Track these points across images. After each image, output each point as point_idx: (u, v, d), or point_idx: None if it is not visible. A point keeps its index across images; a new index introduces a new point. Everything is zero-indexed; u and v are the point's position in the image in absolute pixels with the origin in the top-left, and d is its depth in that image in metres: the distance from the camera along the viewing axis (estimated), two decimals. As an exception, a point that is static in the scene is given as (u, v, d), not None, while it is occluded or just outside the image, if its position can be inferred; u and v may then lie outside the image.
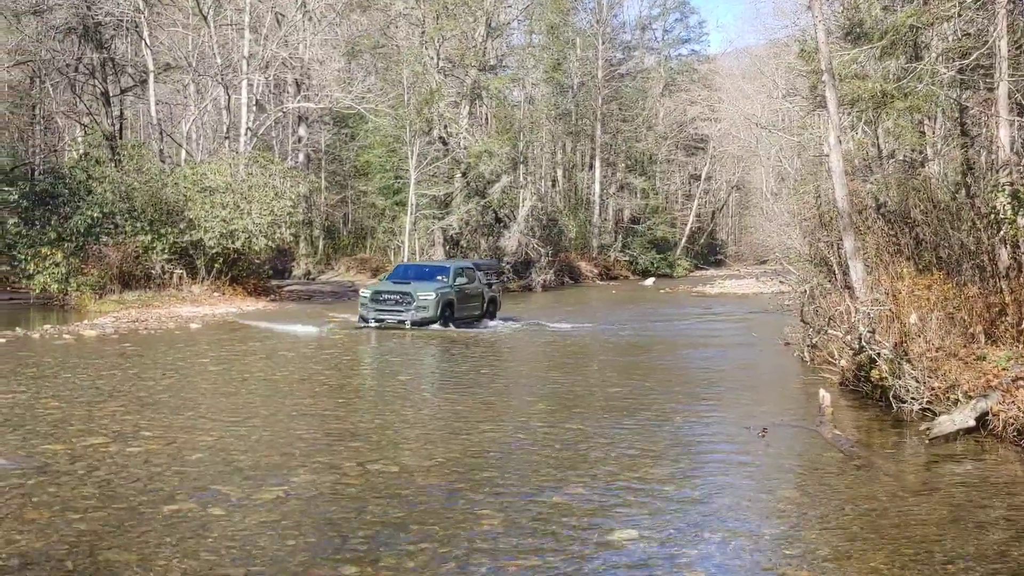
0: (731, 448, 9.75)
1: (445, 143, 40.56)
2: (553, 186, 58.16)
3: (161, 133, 37.39)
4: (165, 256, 28.62)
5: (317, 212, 46.84)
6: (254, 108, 37.50)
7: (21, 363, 14.92)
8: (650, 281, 52.71)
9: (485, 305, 24.07)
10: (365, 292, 22.79)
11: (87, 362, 15.31)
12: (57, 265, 26.69)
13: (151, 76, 36.39)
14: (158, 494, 7.35)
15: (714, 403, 12.83)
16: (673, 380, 14.96)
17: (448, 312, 22.11)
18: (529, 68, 49.89)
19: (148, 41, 36.04)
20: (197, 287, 28.98)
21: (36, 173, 34.21)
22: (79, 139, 37.24)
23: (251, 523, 6.65)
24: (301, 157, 45.26)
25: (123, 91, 39.41)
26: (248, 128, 36.47)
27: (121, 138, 36.60)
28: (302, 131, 45.39)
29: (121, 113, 39.75)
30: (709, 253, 71.99)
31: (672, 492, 7.94)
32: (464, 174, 41.00)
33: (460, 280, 23.11)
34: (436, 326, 21.56)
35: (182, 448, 9.06)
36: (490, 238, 43.40)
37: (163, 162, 34.24)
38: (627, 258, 57.83)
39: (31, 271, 27.05)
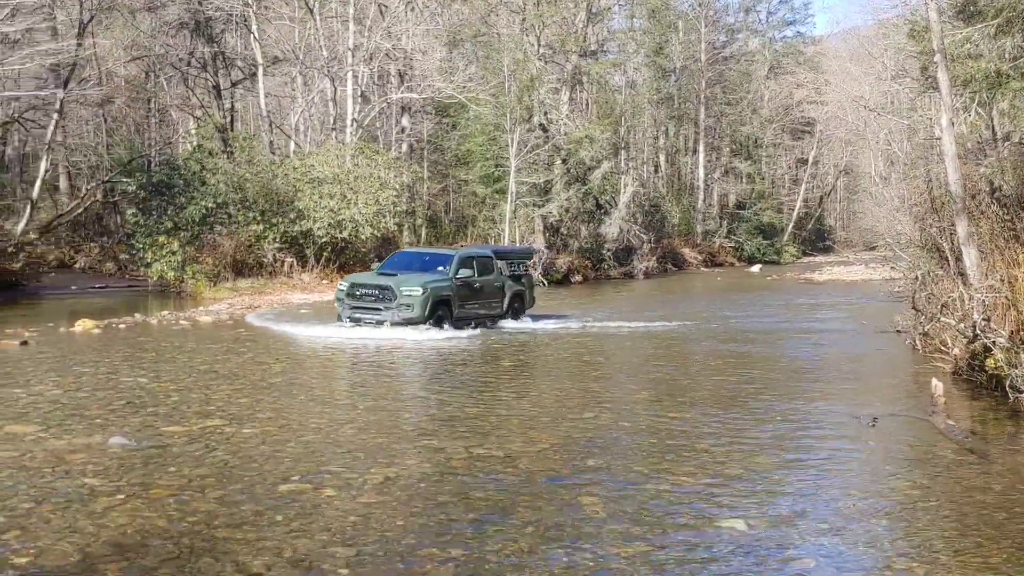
0: (840, 438, 9.55)
1: (545, 130, 40.53)
2: (655, 171, 57.63)
3: (270, 125, 38.34)
4: (276, 245, 29.40)
5: (420, 201, 47.36)
6: (359, 99, 38.12)
7: (141, 348, 15.56)
8: (756, 268, 51.83)
9: (507, 301, 20.30)
10: (342, 285, 19.05)
11: (203, 347, 15.87)
12: (173, 253, 27.67)
13: (260, 69, 37.33)
14: (272, 475, 7.58)
15: (823, 392, 12.58)
16: (780, 369, 14.70)
17: (442, 311, 18.32)
18: (630, 53, 49.50)
19: (257, 35, 36.99)
20: (307, 275, 29.69)
21: (152, 165, 35.41)
22: (192, 131, 38.37)
23: (360, 504, 6.80)
24: (404, 147, 45.81)
25: (234, 84, 40.55)
26: (353, 119, 37.11)
27: (232, 130, 37.69)
28: (405, 121, 45.93)
29: (232, 106, 40.93)
30: (817, 239, 70.38)
31: (780, 481, 7.83)
32: (564, 161, 40.94)
33: (464, 272, 19.01)
34: (425, 328, 17.73)
35: (295, 430, 9.33)
36: (590, 225, 43.25)
37: (273, 153, 35.15)
38: (732, 244, 56.99)
39: (149, 259, 28.11)
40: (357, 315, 18.18)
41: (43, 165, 32.20)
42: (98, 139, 40.34)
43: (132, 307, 22.63)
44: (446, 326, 18.25)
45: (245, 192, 29.66)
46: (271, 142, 37.29)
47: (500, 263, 20.32)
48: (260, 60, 37.23)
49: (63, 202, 36.35)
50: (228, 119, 38.84)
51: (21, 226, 29.48)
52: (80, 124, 39.57)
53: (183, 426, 9.34)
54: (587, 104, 49.84)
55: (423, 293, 17.94)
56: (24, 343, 15.50)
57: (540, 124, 40.43)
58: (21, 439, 8.59)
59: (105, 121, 39.62)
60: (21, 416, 9.62)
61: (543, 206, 40.02)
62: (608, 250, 42.16)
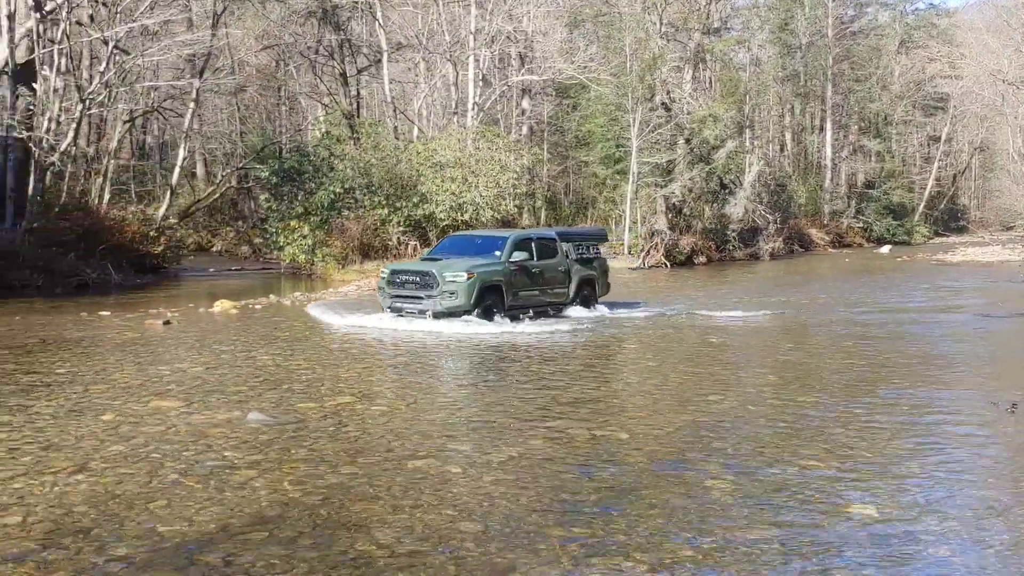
0: (977, 424, 9.22)
1: (668, 109, 40.04)
2: (781, 150, 56.31)
3: (395, 110, 39.03)
4: (400, 228, 30.01)
5: (540, 183, 47.49)
6: (480, 83, 38.43)
7: (275, 327, 16.17)
8: (886, 249, 50.20)
9: (574, 288, 18.41)
10: (384, 272, 17.47)
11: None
12: (304, 237, 28.58)
13: (384, 55, 38.03)
14: (400, 451, 7.79)
15: (958, 377, 12.15)
16: (913, 353, 14.24)
17: (492, 299, 16.59)
18: (754, 29, 48.42)
19: (381, 21, 37.64)
20: (429, 259, 30.18)
21: (283, 151, 36.54)
22: (321, 118, 39.45)
23: (487, 482, 6.93)
24: (525, 129, 45.96)
25: (359, 71, 41.41)
26: (475, 103, 37.42)
27: (359, 116, 38.52)
28: (525, 103, 46.05)
29: (358, 92, 41.79)
30: (950, 219, 67.67)
31: (913, 468, 7.62)
32: (687, 140, 40.39)
33: (520, 255, 17.12)
34: (471, 318, 16.12)
35: (422, 409, 9.56)
36: (714, 205, 42.60)
37: (397, 139, 35.78)
38: (861, 225, 55.31)
39: (281, 243, 29.12)
40: (398, 304, 16.60)
41: (181, 153, 33.59)
42: (232, 127, 41.85)
43: (266, 289, 23.49)
44: (498, 316, 16.53)
45: (371, 177, 30.34)
46: (395, 127, 37.96)
47: (566, 246, 18.45)
48: (384, 47, 37.91)
49: (200, 188, 37.89)
50: (354, 106, 39.69)
51: (162, 211, 30.87)
52: (215, 112, 41.11)
53: (316, 403, 9.67)
54: (710, 82, 49.03)
55: (468, 279, 16.11)
56: (167, 323, 16.29)
57: (662, 103, 39.96)
58: (166, 414, 9.05)
59: (238, 109, 41.05)
60: (166, 392, 10.12)
61: (665, 186, 39.58)
62: (732, 231, 41.45)
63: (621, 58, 39.10)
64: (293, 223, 29.13)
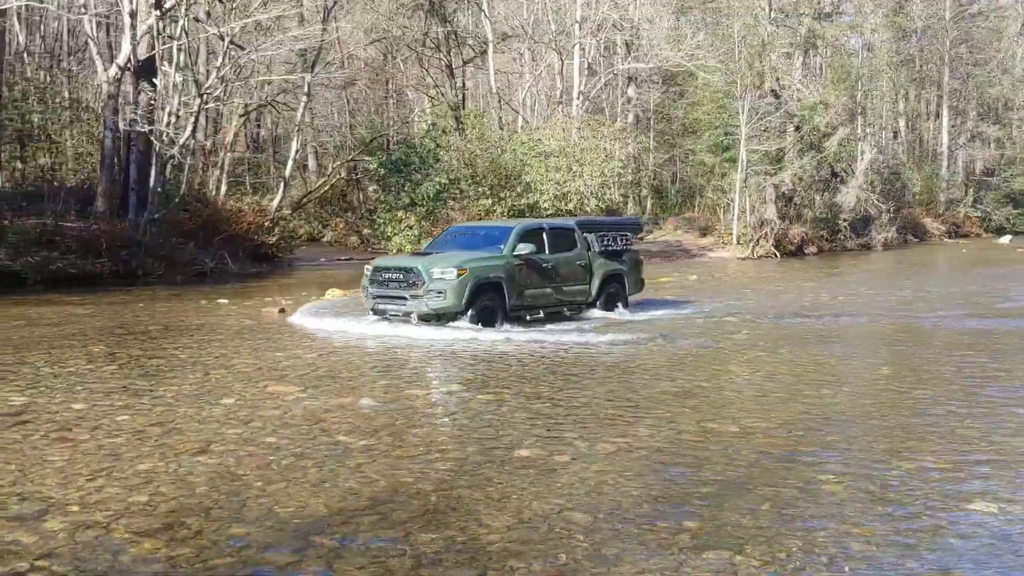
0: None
1: (777, 96, 39.27)
2: (895, 138, 54.66)
3: (499, 101, 39.25)
4: (505, 218, 30.19)
5: (645, 172, 47.14)
6: (586, 72, 38.31)
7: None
8: (1006, 239, 48.27)
9: (596, 285, 16.25)
10: (368, 268, 15.33)
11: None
12: (411, 227, 29.03)
13: (490, 46, 38.26)
14: (507, 439, 7.86)
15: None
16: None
17: (490, 299, 14.46)
18: (867, 13, 47.06)
19: (487, 12, 37.84)
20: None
21: (391, 143, 37.12)
22: (427, 110, 39.92)
23: (594, 472, 6.93)
24: (630, 118, 45.67)
25: (465, 62, 41.74)
26: (580, 92, 37.35)
27: (464, 108, 38.85)
28: (631, 92, 45.74)
29: (463, 84, 42.16)
30: (1078, 208, 64.61)
31: (1038, 466, 7.34)
32: (797, 128, 39.55)
33: (525, 247, 14.97)
34: (463, 323, 14.12)
35: (528, 397, 9.63)
36: (825, 194, 41.67)
37: (501, 129, 36.00)
38: (979, 214, 53.35)
39: (388, 233, 29.64)
40: (381, 305, 14.67)
41: (294, 145, 34.43)
42: (342, 120, 42.67)
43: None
44: (499, 320, 14.51)
45: (475, 168, 30.62)
46: (500, 118, 38.20)
47: (589, 237, 16.34)
48: (490, 37, 38.14)
49: (312, 180, 38.75)
50: (460, 97, 40.05)
51: (276, 203, 31.71)
52: (326, 106, 41.95)
53: (424, 390, 9.84)
54: (821, 68, 47.87)
55: (459, 275, 14.02)
56: (282, 311, 16.77)
57: (772, 90, 39.22)
58: (282, 398, 9.33)
59: (348, 103, 41.83)
60: (282, 377, 10.43)
61: (775, 175, 38.85)
62: (844, 220, 40.49)
63: (729, 45, 38.49)
64: (400, 214, 29.59)
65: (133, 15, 25.65)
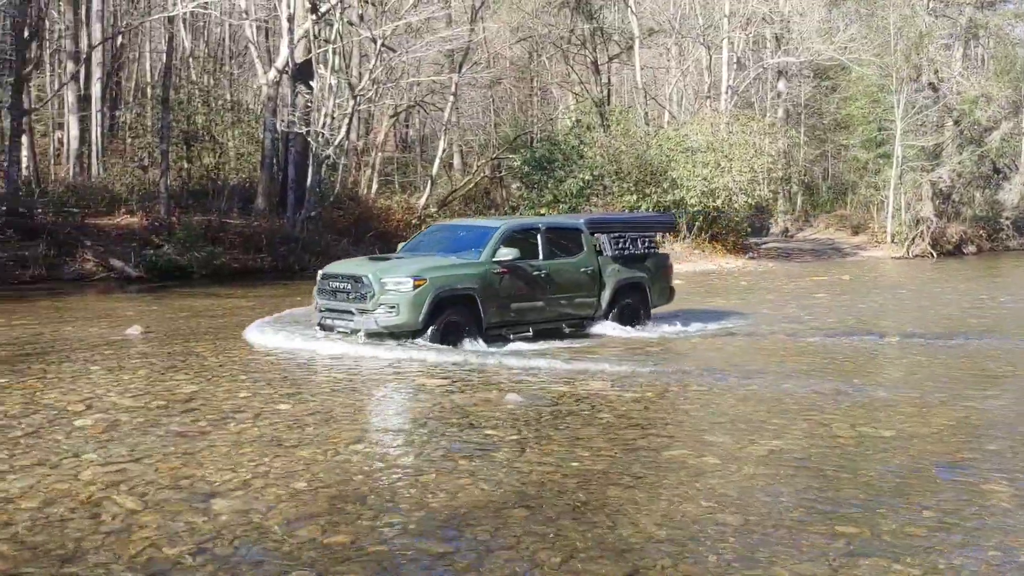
0: None
1: (935, 89, 37.65)
2: (1066, 131, 51.50)
3: (645, 96, 38.97)
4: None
5: (795, 168, 45.94)
6: (734, 66, 37.64)
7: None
8: None
9: (608, 296, 13.85)
10: (320, 274, 13.07)
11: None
12: (554, 224, 29.08)
13: (636, 42, 38.04)
14: (656, 440, 7.83)
15: None
16: None
17: (456, 315, 12.18)
18: (1037, -1, 44.53)
19: (634, 8, 37.62)
20: (679, 244, 30.00)
21: (535, 141, 37.37)
22: (571, 107, 40.00)
23: (744, 475, 6.83)
24: (780, 112, 44.63)
25: (610, 59, 41.64)
26: (728, 86, 36.74)
27: (609, 104, 38.75)
28: (781, 86, 44.69)
29: (608, 80, 42.06)
30: None
31: None
32: (957, 122, 37.82)
33: (508, 252, 12.56)
34: (423, 342, 11.93)
35: (674, 399, 9.56)
36: (986, 191, 39.72)
37: (647, 125, 35.73)
38: None
39: (532, 231, 29.78)
40: (328, 320, 12.50)
41: (441, 145, 35.11)
42: (487, 118, 43.23)
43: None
44: (469, 339, 12.23)
45: (620, 164, 30.50)
46: (645, 114, 37.93)
47: (600, 238, 13.96)
48: (636, 33, 37.92)
49: (457, 178, 39.41)
50: (605, 93, 39.98)
51: (423, 200, 32.39)
52: (471, 105, 42.56)
53: (569, 387, 9.88)
54: (983, 60, 45.59)
55: (416, 286, 11.79)
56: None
57: (929, 83, 37.63)
58: (432, 391, 9.55)
59: (493, 101, 42.33)
60: (430, 372, 10.66)
61: (932, 171, 37.26)
62: (1006, 218, 38.49)
63: (885, 36, 37.12)
64: (543, 211, 29.76)
65: (291, 19, 26.65)
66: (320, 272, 13.01)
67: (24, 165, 25.76)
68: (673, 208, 30.22)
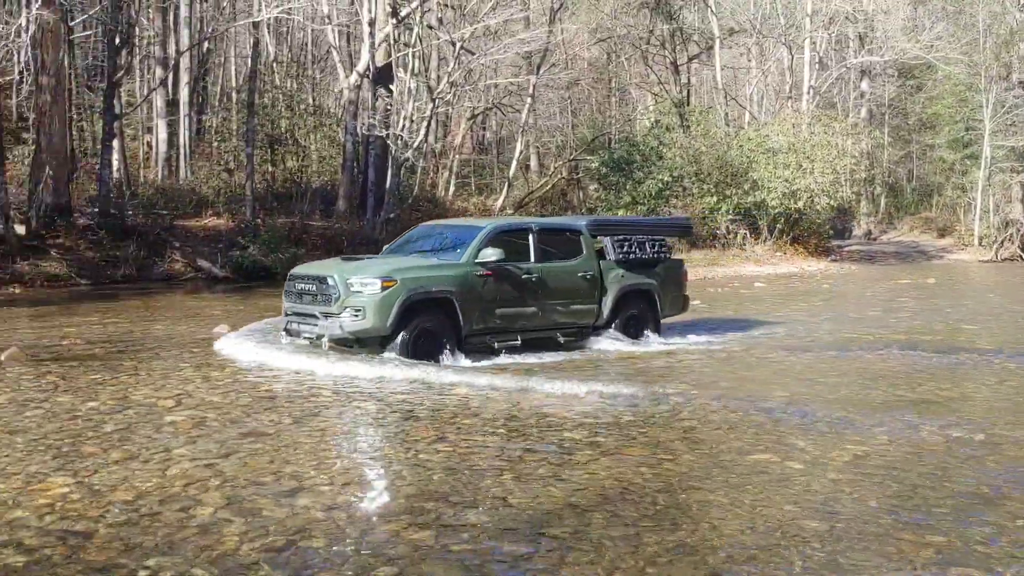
0: None
1: (1028, 88, 36.52)
2: None
3: (725, 97, 38.58)
4: (729, 217, 29.63)
5: (879, 169, 44.99)
6: (816, 65, 37.05)
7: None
8: None
9: (610, 304, 12.73)
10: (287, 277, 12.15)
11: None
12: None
13: (716, 42, 37.69)
14: (737, 444, 7.74)
15: None
16: None
17: (429, 321, 11.09)
18: None
19: (714, 8, 37.26)
20: (760, 247, 29.61)
21: (612, 142, 37.26)
22: (650, 108, 39.79)
23: (829, 480, 6.71)
24: (863, 112, 43.78)
25: (690, 59, 41.33)
26: (810, 86, 36.19)
27: (688, 104, 38.45)
28: (864, 85, 43.84)
29: (688, 80, 41.77)
30: None
31: None
32: (1052, 121, 36.60)
33: (493, 253, 11.45)
34: (392, 354, 10.87)
35: (755, 401, 9.44)
36: (1084, 192, 38.33)
37: (727, 125, 35.37)
38: None
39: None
40: (294, 325, 11.51)
41: (518, 146, 35.24)
42: (564, 120, 43.24)
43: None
44: (448, 352, 11.16)
45: (700, 165, 30.23)
46: (725, 114, 37.54)
47: (604, 241, 12.97)
48: (716, 33, 37.58)
49: (533, 180, 39.49)
50: (684, 94, 39.67)
51: (500, 202, 32.54)
52: (549, 106, 42.65)
53: (648, 391, 9.83)
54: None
55: (384, 288, 10.74)
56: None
57: (1020, 82, 36.53)
58: (511, 392, 9.60)
59: (570, 102, 42.33)
60: (502, 370, 10.71)
61: (1022, 172, 36.13)
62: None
63: (973, 34, 36.20)
64: (621, 212, 29.62)
65: (372, 24, 27.02)
66: (289, 273, 12.09)
67: (115, 168, 26.56)
68: (755, 210, 29.83)
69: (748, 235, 29.88)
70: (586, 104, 43.84)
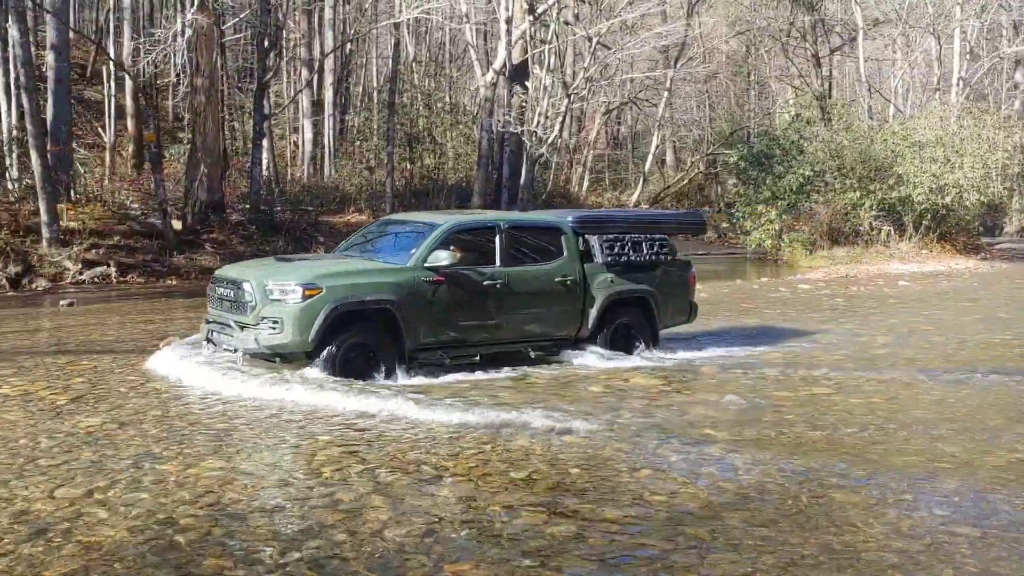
0: None
1: None
2: None
3: (869, 89, 37.38)
4: (873, 213, 28.72)
5: (1034, 163, 42.72)
6: (967, 56, 35.48)
7: (744, 312, 16.33)
8: None
9: (595, 313, 11.02)
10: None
11: (803, 315, 16.18)
12: (771, 222, 28.43)
13: (860, 33, 36.53)
14: (881, 446, 7.55)
15: None
16: None
17: (367, 335, 9.56)
18: None
19: (858, -2, 36.14)
20: (904, 244, 28.59)
21: (751, 136, 36.60)
22: (790, 101, 38.89)
23: (982, 484, 6.50)
24: (1017, 104, 41.71)
25: (832, 51, 40.19)
26: (960, 78, 34.70)
27: (830, 97, 37.41)
28: (1019, 76, 41.79)
29: (830, 73, 40.63)
30: None
31: None
32: None
33: (444, 255, 9.86)
34: (314, 370, 9.30)
35: (903, 403, 9.18)
36: None
37: (871, 119, 34.26)
38: None
39: (747, 228, 29.22)
40: (215, 334, 9.95)
41: (654, 141, 35.02)
42: (701, 114, 42.70)
43: (732, 273, 23.75)
44: (390, 367, 9.62)
45: (842, 159, 29.39)
46: (869, 107, 36.36)
47: (590, 240, 11.21)
48: (860, 24, 36.41)
49: (669, 175, 39.16)
50: (826, 87, 38.61)
51: (635, 197, 32.44)
52: (685, 100, 42.20)
53: (790, 391, 9.67)
54: None
55: (305, 297, 9.25)
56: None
57: None
58: (647, 390, 9.59)
59: (708, 96, 41.78)
60: (637, 370, 10.70)
61: None
62: None
63: None
64: (760, 208, 29.09)
65: (509, 21, 27.30)
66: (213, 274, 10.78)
67: (265, 166, 27.66)
68: (900, 206, 28.80)
69: (892, 232, 28.88)
70: (724, 98, 43.18)
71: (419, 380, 9.67)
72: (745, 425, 8.13)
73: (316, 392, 8.78)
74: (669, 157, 42.40)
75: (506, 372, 10.29)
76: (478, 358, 10.35)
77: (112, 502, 5.91)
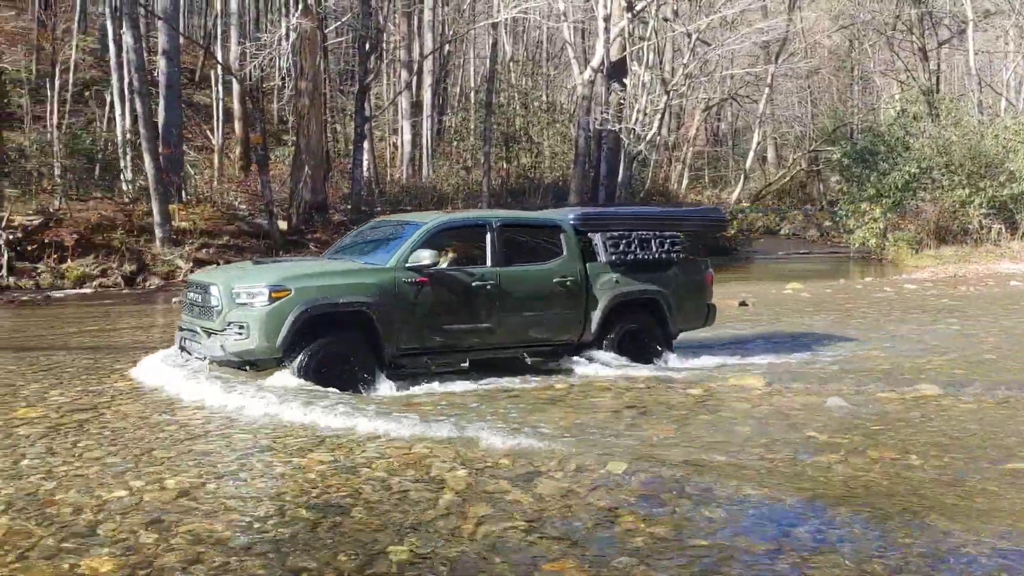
0: None
1: None
2: None
3: (979, 83, 36.18)
4: (983, 211, 27.82)
5: None
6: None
7: (847, 313, 16.01)
8: None
9: (599, 318, 10.35)
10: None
11: (909, 316, 15.77)
12: (875, 220, 27.80)
13: (970, 25, 35.36)
14: (994, 451, 7.34)
15: None
16: None
17: (343, 341, 8.97)
18: None
19: (968, -12, 35.01)
20: (1016, 243, 27.62)
21: (855, 132, 35.78)
22: (896, 96, 37.88)
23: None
24: None
25: (940, 44, 39.01)
26: (1079, 68, 33.27)
27: (938, 92, 36.34)
28: None
29: (938, 67, 39.48)
30: None
31: None
32: None
33: (426, 257, 9.18)
34: (289, 376, 8.71)
35: (1016, 408, 8.89)
36: None
37: (981, 113, 33.17)
38: None
39: (851, 226, 28.64)
40: (186, 341, 9.45)
41: (755, 138, 34.52)
42: (803, 110, 41.92)
43: (835, 272, 23.30)
44: (371, 376, 9.02)
45: (950, 156, 28.56)
46: (979, 102, 35.19)
47: (594, 239, 10.58)
48: (970, 15, 35.25)
49: (771, 172, 38.58)
50: (933, 81, 37.48)
51: (735, 195, 32.04)
52: (786, 96, 41.48)
53: (897, 393, 9.45)
54: None
55: (273, 299, 8.71)
56: (743, 303, 16.96)
57: None
58: (749, 392, 9.50)
59: (810, 92, 40.99)
60: (747, 370, 10.58)
61: None
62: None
63: None
64: (864, 206, 28.45)
65: (607, 19, 27.23)
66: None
67: (366, 168, 28.17)
68: (1011, 203, 27.82)
69: (1003, 230, 27.89)
70: (827, 93, 42.29)
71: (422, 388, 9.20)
72: (855, 428, 7.98)
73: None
74: (770, 154, 41.73)
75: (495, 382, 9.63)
76: (467, 364, 9.67)
77: (220, 494, 6.13)
